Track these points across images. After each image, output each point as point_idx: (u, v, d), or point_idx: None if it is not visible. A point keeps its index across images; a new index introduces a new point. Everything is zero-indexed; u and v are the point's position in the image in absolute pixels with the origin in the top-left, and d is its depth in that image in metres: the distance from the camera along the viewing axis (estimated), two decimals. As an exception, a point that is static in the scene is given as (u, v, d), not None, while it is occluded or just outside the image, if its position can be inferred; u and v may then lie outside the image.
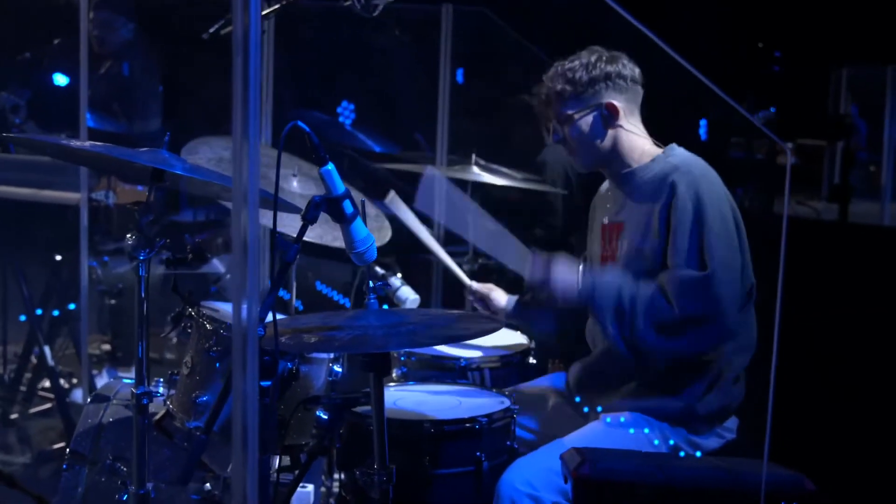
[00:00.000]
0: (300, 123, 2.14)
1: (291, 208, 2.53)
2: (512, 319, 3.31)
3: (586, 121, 2.95)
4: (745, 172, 6.25)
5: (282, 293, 4.73)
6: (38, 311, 4.90)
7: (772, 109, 7.72)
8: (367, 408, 2.73)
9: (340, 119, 5.71)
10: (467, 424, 2.71)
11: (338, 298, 5.60)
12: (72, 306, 4.78)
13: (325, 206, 2.23)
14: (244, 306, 1.60)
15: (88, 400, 3.18)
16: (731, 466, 2.29)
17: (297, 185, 3.57)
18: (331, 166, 2.24)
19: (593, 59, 2.94)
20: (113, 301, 5.23)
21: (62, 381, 4.95)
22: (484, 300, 3.30)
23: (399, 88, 5.78)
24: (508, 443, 2.81)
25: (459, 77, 5.80)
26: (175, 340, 5.27)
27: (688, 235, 2.78)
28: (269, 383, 2.10)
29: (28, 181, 4.57)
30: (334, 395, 2.74)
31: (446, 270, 4.67)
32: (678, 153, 2.93)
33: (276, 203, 2.10)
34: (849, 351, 4.11)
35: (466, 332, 2.47)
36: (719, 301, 2.73)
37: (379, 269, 3.64)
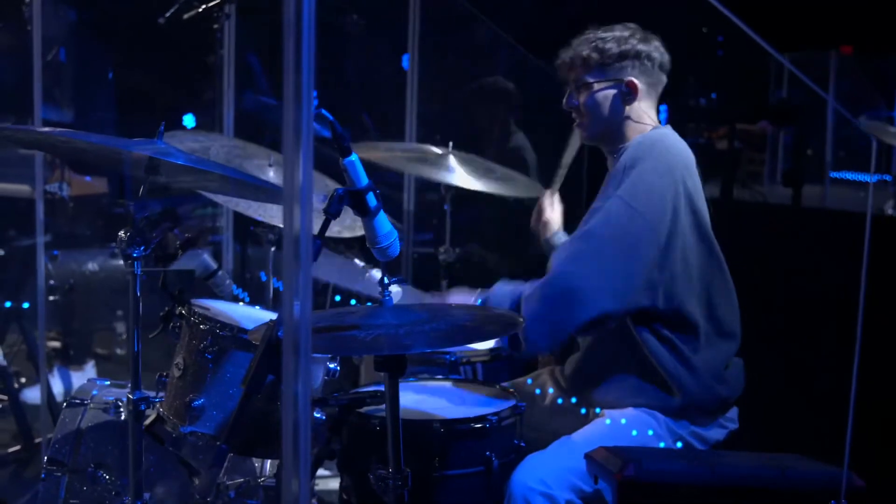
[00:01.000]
0: (324, 111, 2.03)
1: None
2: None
3: (605, 93, 2.88)
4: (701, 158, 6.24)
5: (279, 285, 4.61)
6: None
7: (713, 95, 7.76)
8: (371, 408, 2.65)
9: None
10: (477, 424, 2.62)
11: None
12: (26, 305, 4.58)
13: (349, 198, 2.12)
14: (296, 305, 1.49)
15: (64, 405, 3.02)
16: (779, 463, 2.23)
17: (273, 175, 3.45)
18: (354, 157, 2.13)
19: (627, 34, 2.88)
20: (63, 297, 5.03)
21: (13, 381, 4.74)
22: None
23: (361, 74, 5.65)
24: (516, 441, 2.73)
25: (405, 63, 5.70)
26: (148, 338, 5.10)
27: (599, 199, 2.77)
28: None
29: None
30: (337, 395, 2.63)
31: (417, 259, 4.61)
32: (657, 131, 2.87)
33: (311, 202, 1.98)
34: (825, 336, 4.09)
35: (491, 330, 2.38)
36: (595, 257, 2.69)
37: (358, 262, 3.54)
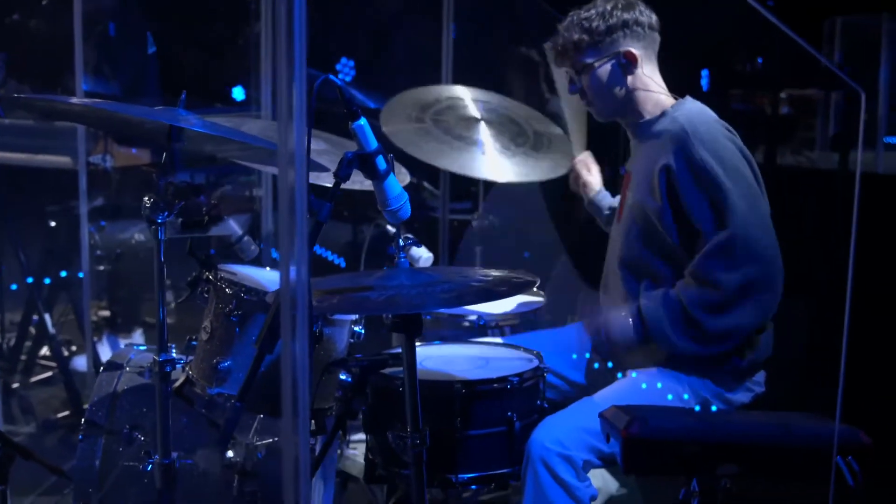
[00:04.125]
0: (332, 77, 2.06)
1: (314, 167, 2.45)
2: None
3: (604, 70, 2.89)
4: (745, 123, 6.18)
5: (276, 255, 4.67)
6: (30, 280, 4.81)
7: (758, 60, 7.67)
8: (394, 369, 2.69)
9: (340, 76, 5.60)
10: (498, 384, 2.66)
11: (332, 259, 5.53)
12: (63, 273, 4.69)
13: (358, 162, 2.16)
14: (293, 269, 1.54)
15: (101, 369, 3.10)
16: (786, 421, 2.24)
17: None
18: (363, 121, 2.17)
19: (609, 6, 2.88)
20: (111, 266, 5.13)
21: (63, 349, 4.86)
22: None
23: (399, 44, 5.67)
24: (539, 402, 2.76)
25: (453, 34, 5.71)
26: (172, 305, 5.20)
27: (700, 202, 2.73)
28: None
29: (21, 146, 4.47)
30: (360, 356, 2.68)
31: (452, 227, 4.63)
32: (686, 109, 2.86)
33: (309, 162, 2.02)
34: (858, 298, 4.05)
35: (503, 290, 2.41)
36: (751, 259, 2.67)
37: (390, 228, 3.57)
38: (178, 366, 2.66)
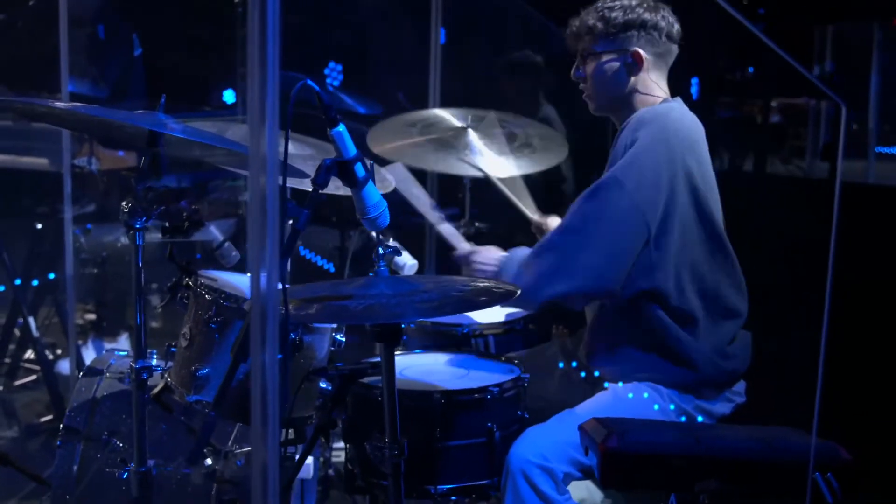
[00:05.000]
0: (310, 82, 2.04)
1: (297, 173, 2.43)
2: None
3: (611, 64, 2.87)
4: (734, 131, 6.18)
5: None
6: (17, 281, 4.77)
7: (749, 70, 7.66)
8: (374, 378, 2.67)
9: (328, 80, 5.58)
10: (478, 395, 2.64)
11: (321, 263, 5.51)
12: (51, 276, 4.66)
13: (336, 169, 2.13)
14: (263, 276, 1.52)
15: (81, 374, 3.08)
16: (766, 436, 2.22)
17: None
18: (342, 127, 2.14)
19: (634, 3, 2.85)
20: (96, 270, 5.10)
21: (47, 353, 4.83)
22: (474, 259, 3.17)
23: (387, 48, 5.65)
24: (519, 412, 2.74)
25: (442, 38, 5.69)
26: (159, 310, 5.17)
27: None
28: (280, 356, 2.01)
29: (5, 148, 4.45)
30: (341, 365, 2.65)
31: (440, 235, 4.60)
32: (661, 106, 2.84)
33: (286, 168, 2.00)
34: (847, 309, 4.04)
35: (483, 300, 2.39)
36: (582, 231, 2.71)
37: (375, 239, 3.55)
38: (156, 372, 2.64)
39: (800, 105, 7.52)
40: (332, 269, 5.36)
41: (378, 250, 2.38)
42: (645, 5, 2.84)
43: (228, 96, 5.53)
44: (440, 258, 4.58)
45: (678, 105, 2.86)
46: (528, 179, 3.93)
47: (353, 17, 5.57)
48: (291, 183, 2.71)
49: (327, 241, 5.60)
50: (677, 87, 5.37)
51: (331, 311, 2.23)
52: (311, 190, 2.10)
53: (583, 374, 2.97)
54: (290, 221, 2.08)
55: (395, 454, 2.38)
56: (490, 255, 2.98)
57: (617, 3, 2.85)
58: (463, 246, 3.17)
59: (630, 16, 2.82)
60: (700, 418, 2.80)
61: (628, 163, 2.70)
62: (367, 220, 2.24)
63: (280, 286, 2.01)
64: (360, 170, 2.16)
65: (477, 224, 4.11)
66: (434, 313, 2.46)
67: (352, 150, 2.16)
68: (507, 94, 5.12)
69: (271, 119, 1.51)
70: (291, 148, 3.44)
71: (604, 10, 2.85)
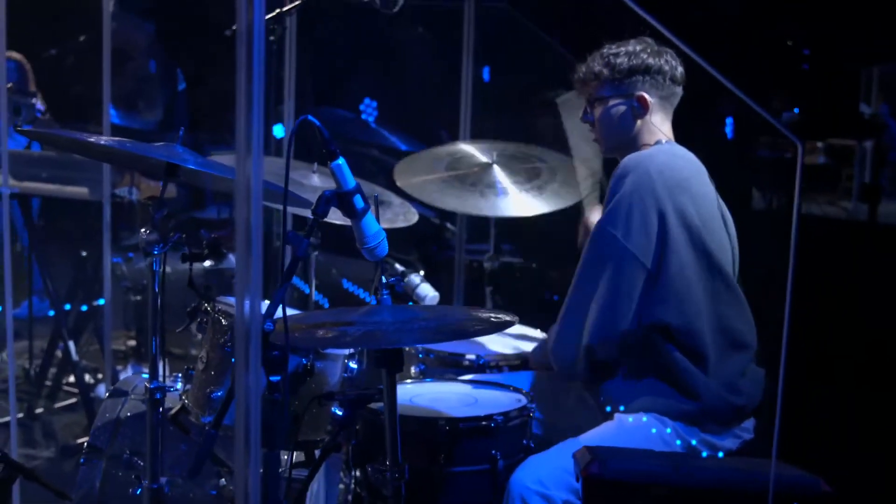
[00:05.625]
0: (310, 118, 2.13)
1: (305, 203, 2.52)
2: None
3: (617, 108, 2.95)
4: (771, 172, 6.18)
5: (304, 287, 4.74)
6: (67, 307, 4.93)
7: (795, 110, 7.65)
8: (381, 404, 2.74)
9: (363, 116, 5.70)
10: (483, 422, 2.70)
11: (363, 296, 5.61)
12: (101, 301, 4.81)
13: (336, 200, 2.23)
14: (247, 302, 1.60)
15: (107, 395, 3.19)
16: (746, 467, 2.26)
17: (318, 180, 3.58)
18: (341, 160, 2.24)
19: (638, 48, 2.94)
20: (138, 297, 5.25)
21: (87, 377, 4.98)
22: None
23: (421, 85, 5.76)
24: (525, 441, 2.79)
25: (486, 75, 5.79)
26: (199, 336, 5.29)
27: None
28: (278, 378, 2.10)
29: (52, 177, 4.61)
30: (348, 390, 2.73)
31: (469, 268, 4.68)
32: (646, 151, 2.91)
33: (286, 198, 2.09)
34: (878, 352, 4.06)
35: (479, 329, 2.46)
36: (574, 292, 2.88)
37: (399, 266, 3.63)
38: (170, 393, 2.73)
39: (841, 146, 7.50)
40: (375, 301, 5.45)
41: (381, 279, 2.46)
42: (649, 50, 2.92)
43: (278, 131, 5.68)
44: (468, 291, 4.66)
45: (669, 146, 2.93)
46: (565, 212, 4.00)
47: (387, 55, 5.69)
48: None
49: (367, 272, 5.71)
50: (711, 128, 5.42)
51: (330, 337, 2.31)
52: (337, 221, 2.18)
53: (591, 404, 3.02)
54: (291, 249, 2.16)
55: (396, 477, 2.45)
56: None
57: (622, 49, 2.93)
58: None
59: (634, 61, 2.91)
60: (704, 453, 2.83)
61: (615, 210, 2.79)
62: (366, 249, 2.33)
63: (280, 310, 2.10)
64: (358, 201, 2.25)
65: (501, 259, 4.19)
66: (430, 339, 2.53)
67: (351, 182, 2.25)
68: (543, 130, 5.20)
69: (257, 149, 1.59)
70: (317, 181, 3.56)
71: (609, 57, 2.93)
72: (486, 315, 2.52)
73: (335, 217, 2.89)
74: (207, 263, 3.60)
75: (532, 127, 5.32)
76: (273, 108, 4.43)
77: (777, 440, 1.69)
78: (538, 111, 5.30)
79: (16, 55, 5.33)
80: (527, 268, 4.73)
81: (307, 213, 3.30)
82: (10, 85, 3.97)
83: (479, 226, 4.72)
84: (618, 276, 2.77)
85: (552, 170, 3.96)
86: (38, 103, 4.97)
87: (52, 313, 4.92)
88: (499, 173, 3.94)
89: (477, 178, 3.92)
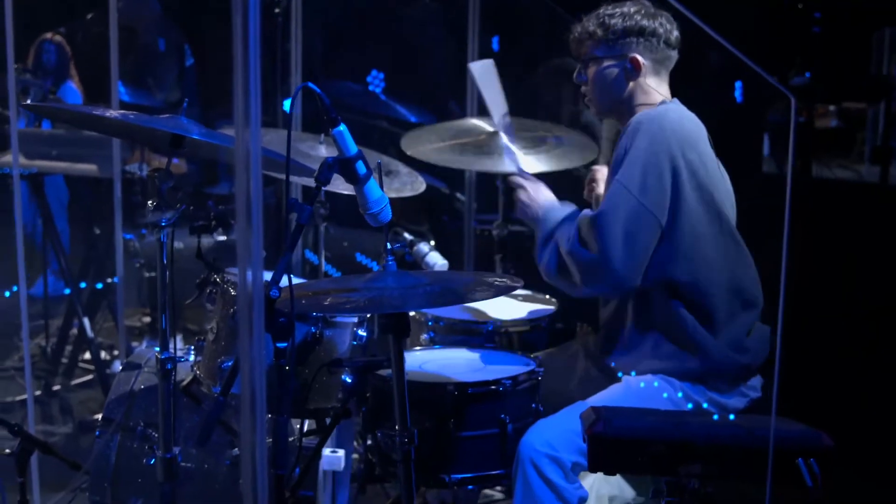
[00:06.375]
0: (311, 84, 2.14)
1: (307, 171, 2.54)
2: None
3: (610, 69, 2.95)
4: (780, 135, 6.16)
5: (312, 258, 4.77)
6: (82, 285, 4.96)
7: (807, 74, 7.61)
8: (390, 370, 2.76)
9: (371, 88, 5.70)
10: (491, 387, 2.72)
11: (374, 266, 5.62)
12: (112, 279, 4.84)
13: (338, 167, 2.24)
14: (249, 272, 1.61)
15: (120, 368, 3.22)
16: (749, 423, 2.27)
17: (325, 151, 3.59)
18: (342, 127, 2.25)
19: (633, 10, 2.94)
20: (152, 273, 5.27)
21: (103, 353, 5.02)
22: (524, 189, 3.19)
23: (428, 56, 5.75)
24: (534, 405, 2.81)
25: (495, 45, 5.77)
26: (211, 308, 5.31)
27: (611, 176, 2.86)
28: (285, 344, 2.12)
29: (62, 155, 4.62)
30: (357, 357, 2.76)
31: (480, 236, 4.69)
32: (658, 108, 2.91)
33: (288, 165, 2.11)
34: (885, 311, 4.06)
35: (484, 293, 2.47)
36: (600, 240, 2.76)
37: (408, 235, 3.65)
38: (181, 363, 2.76)
39: (854, 109, 7.47)
40: (377, 268, 5.48)
41: (386, 245, 2.48)
42: (643, 12, 2.92)
43: (287, 105, 5.68)
44: (479, 260, 4.67)
45: (675, 106, 2.93)
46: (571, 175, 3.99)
47: (394, 25, 5.68)
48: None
49: (379, 245, 5.72)
50: (722, 91, 5.39)
51: (335, 303, 2.33)
52: (340, 190, 2.20)
53: (599, 369, 3.04)
54: (294, 216, 2.18)
55: (406, 442, 2.48)
56: (538, 196, 3.07)
57: (616, 10, 2.93)
58: (520, 170, 3.29)
59: (629, 23, 2.91)
60: (716, 416, 2.84)
61: (628, 167, 2.79)
62: (370, 215, 2.34)
63: (286, 279, 2.13)
64: (361, 167, 2.26)
65: (510, 227, 4.19)
66: (436, 303, 2.54)
67: (353, 148, 2.27)
68: (548, 100, 5.20)
69: (255, 120, 1.60)
70: (325, 151, 3.57)
71: (604, 17, 2.93)
72: (489, 279, 2.54)
73: (346, 188, 2.93)
74: (220, 237, 3.64)
75: (540, 97, 5.31)
76: (280, 83, 4.44)
77: (776, 395, 1.70)
78: (545, 80, 5.29)
79: (57, 38, 5.35)
80: (532, 236, 4.72)
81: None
82: (17, 65, 4.00)
83: (488, 194, 4.72)
84: (635, 231, 2.76)
85: (561, 140, 3.95)
86: (75, 86, 4.99)
87: (67, 291, 4.95)
88: (505, 139, 3.94)
89: (484, 143, 3.92)
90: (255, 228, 1.61)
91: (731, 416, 2.84)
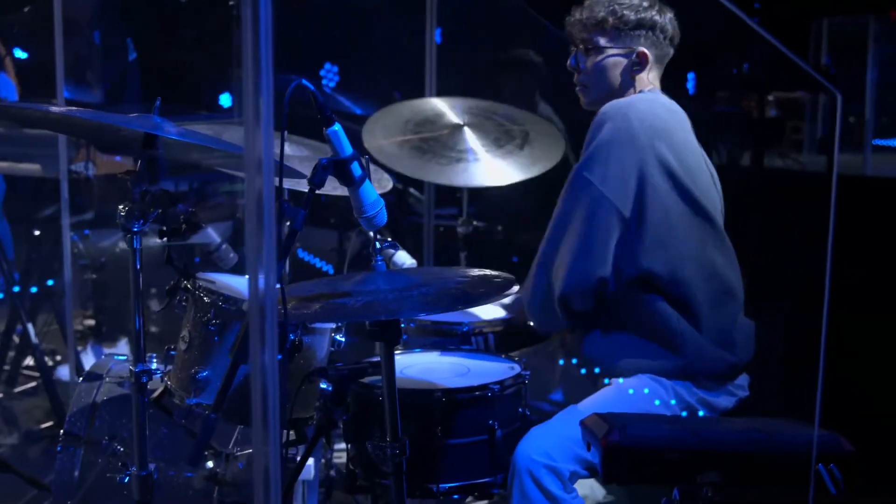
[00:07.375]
0: (304, 82, 2.03)
1: (294, 174, 2.43)
2: None
3: (615, 60, 2.88)
4: (731, 126, 6.17)
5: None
6: (16, 289, 4.76)
7: (745, 66, 7.66)
8: (374, 378, 2.66)
9: (324, 82, 5.57)
10: (479, 392, 2.63)
11: (321, 266, 5.51)
12: (50, 282, 4.66)
13: (333, 168, 2.13)
14: (261, 277, 1.51)
15: (81, 379, 3.07)
16: (767, 428, 2.22)
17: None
18: (337, 126, 2.14)
19: (646, 3, 2.87)
20: (95, 275, 5.10)
21: (46, 359, 4.82)
22: None
23: (383, 47, 5.64)
24: (521, 409, 2.73)
25: (437, 37, 5.68)
26: (154, 316, 5.16)
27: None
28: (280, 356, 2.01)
29: (3, 155, 4.44)
30: (340, 366, 2.65)
31: (437, 232, 4.60)
32: (625, 99, 2.85)
33: (282, 169, 2.00)
34: (847, 302, 4.04)
35: (483, 294, 2.38)
36: (549, 237, 2.82)
37: (371, 234, 3.54)
38: (156, 376, 2.63)
39: (797, 99, 7.52)
40: (332, 272, 5.36)
41: (374, 245, 2.37)
42: (656, 7, 2.87)
43: (225, 100, 5.53)
44: (438, 256, 4.58)
45: (650, 95, 2.87)
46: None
47: (347, 17, 5.56)
48: (288, 184, 2.71)
49: (326, 243, 5.60)
50: (673, 81, 5.36)
51: (330, 310, 2.22)
52: (307, 190, 2.09)
53: (583, 371, 2.97)
54: (287, 222, 2.07)
55: (397, 453, 2.38)
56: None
57: (627, 1, 2.85)
58: None
59: (641, 15, 2.84)
60: (702, 413, 2.79)
61: (591, 157, 2.73)
62: (365, 218, 2.24)
63: (278, 286, 2.01)
64: (356, 168, 2.15)
65: (475, 223, 4.11)
66: (434, 306, 2.45)
67: (348, 149, 2.16)
68: (504, 91, 5.11)
69: (266, 120, 1.51)
70: (288, 149, 3.44)
71: (614, 5, 2.85)
72: (485, 276, 2.45)
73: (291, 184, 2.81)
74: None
75: (494, 88, 5.23)
76: (233, 74, 4.29)
77: (819, 403, 1.64)
78: (500, 72, 5.21)
79: None
80: (496, 231, 4.65)
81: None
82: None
83: (446, 189, 4.64)
84: (592, 221, 2.70)
85: (524, 131, 3.87)
86: (10, 79, 4.80)
87: (17, 289, 4.74)
88: (470, 137, 3.85)
89: (447, 143, 3.81)
90: (266, 232, 1.52)
91: (718, 416, 2.80)
